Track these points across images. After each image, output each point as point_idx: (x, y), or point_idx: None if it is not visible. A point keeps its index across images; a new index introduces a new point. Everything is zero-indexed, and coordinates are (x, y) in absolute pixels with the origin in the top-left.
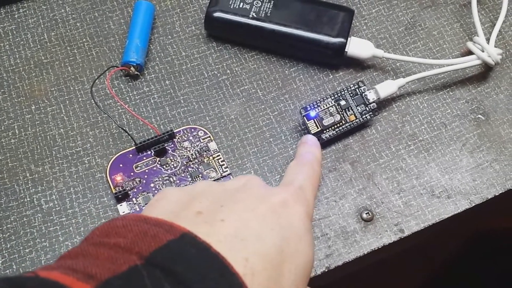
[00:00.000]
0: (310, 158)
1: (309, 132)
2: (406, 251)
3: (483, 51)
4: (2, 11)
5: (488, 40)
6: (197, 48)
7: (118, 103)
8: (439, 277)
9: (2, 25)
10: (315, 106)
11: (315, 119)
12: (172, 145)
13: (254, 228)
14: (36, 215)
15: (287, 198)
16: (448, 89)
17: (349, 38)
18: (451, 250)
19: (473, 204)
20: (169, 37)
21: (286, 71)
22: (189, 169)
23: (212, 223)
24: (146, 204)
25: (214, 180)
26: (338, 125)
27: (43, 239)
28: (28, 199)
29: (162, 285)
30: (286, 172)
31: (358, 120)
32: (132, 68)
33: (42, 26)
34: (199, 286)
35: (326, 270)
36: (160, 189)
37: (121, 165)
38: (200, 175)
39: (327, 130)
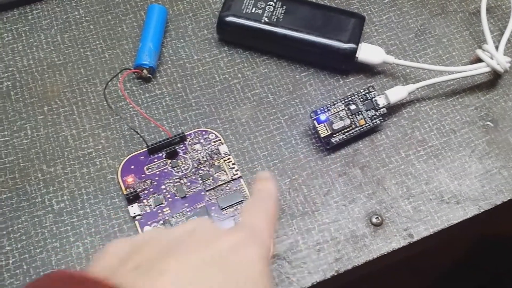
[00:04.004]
0: (265, 195)
1: (319, 136)
2: (415, 257)
3: (492, 59)
4: (15, 12)
5: (497, 48)
6: (209, 52)
7: (130, 105)
8: (447, 282)
9: (15, 26)
10: (325, 110)
11: (325, 123)
12: (183, 148)
13: (199, 278)
14: (47, 216)
15: (239, 240)
16: (457, 96)
17: (360, 44)
18: (458, 255)
19: (482, 210)
20: (181, 40)
21: (297, 76)
22: (200, 171)
23: (149, 277)
24: (157, 206)
25: (222, 185)
26: (348, 129)
27: (54, 240)
28: (40, 200)
29: None
30: (240, 215)
31: (368, 124)
32: (144, 71)
33: (56, 27)
34: None
35: (336, 274)
36: (171, 191)
37: (132, 167)
38: (211, 178)
39: (337, 134)
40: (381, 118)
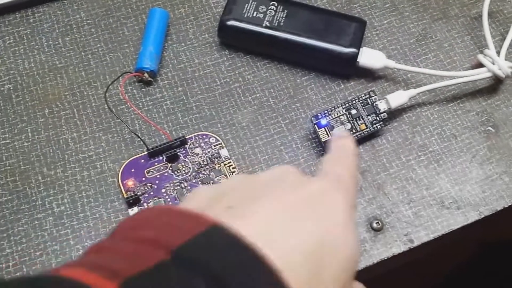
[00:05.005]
0: (346, 149)
1: (319, 140)
2: (415, 262)
3: (493, 64)
4: (17, 15)
5: (498, 53)
6: (210, 56)
7: (131, 109)
8: (449, 287)
9: (17, 29)
10: (326, 114)
11: (326, 127)
12: (184, 151)
13: (290, 220)
14: (48, 218)
15: (325, 186)
16: (458, 101)
17: (361, 49)
18: (461, 260)
19: (483, 216)
20: (183, 44)
21: (298, 80)
22: (200, 175)
23: (243, 217)
24: None
25: None
26: None
27: (54, 243)
28: (40, 202)
29: (190, 281)
30: (322, 164)
31: (368, 129)
32: (145, 74)
33: (57, 31)
34: (232, 280)
35: None
36: (172, 195)
37: (133, 170)
38: (211, 182)
39: None
40: (381, 123)
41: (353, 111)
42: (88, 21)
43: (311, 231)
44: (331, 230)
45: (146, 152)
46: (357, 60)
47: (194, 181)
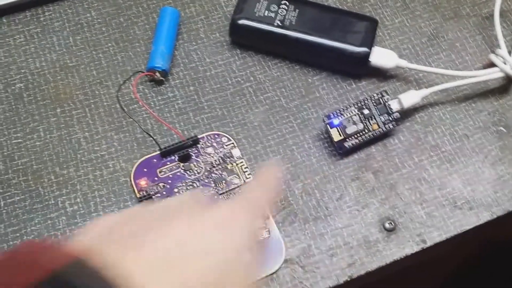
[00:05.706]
0: (269, 176)
1: (331, 140)
2: (425, 262)
3: (505, 64)
4: (27, 13)
5: (510, 52)
6: (221, 55)
7: (142, 108)
8: (457, 286)
9: (27, 28)
10: (339, 114)
11: (338, 127)
12: (196, 151)
13: (185, 250)
14: (61, 218)
15: (228, 212)
16: (470, 101)
17: (372, 48)
18: (470, 259)
19: (495, 216)
20: (194, 43)
21: (310, 80)
22: (213, 175)
23: (136, 248)
24: None
25: (235, 189)
26: (361, 133)
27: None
28: (53, 202)
29: None
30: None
31: (381, 129)
32: (157, 74)
33: (68, 29)
34: None
35: (349, 280)
36: None
37: (145, 170)
38: (224, 181)
39: (350, 139)
40: (394, 122)
41: (366, 111)
42: (99, 20)
43: (205, 262)
44: (229, 258)
45: (158, 152)
46: (369, 59)
47: (206, 180)
